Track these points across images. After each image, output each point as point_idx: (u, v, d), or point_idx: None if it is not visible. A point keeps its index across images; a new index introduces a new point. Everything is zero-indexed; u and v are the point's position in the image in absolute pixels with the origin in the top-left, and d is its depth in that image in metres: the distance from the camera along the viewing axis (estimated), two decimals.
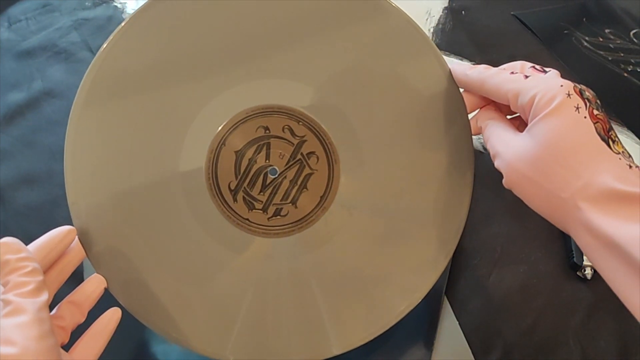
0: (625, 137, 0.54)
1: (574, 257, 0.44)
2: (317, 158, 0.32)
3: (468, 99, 0.32)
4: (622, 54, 0.62)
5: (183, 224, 0.31)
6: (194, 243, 0.31)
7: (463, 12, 0.67)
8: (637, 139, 0.54)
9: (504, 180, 0.28)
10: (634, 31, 0.65)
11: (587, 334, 0.41)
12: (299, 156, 0.32)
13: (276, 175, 0.32)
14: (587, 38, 0.64)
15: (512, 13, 0.67)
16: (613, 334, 0.41)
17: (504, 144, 0.28)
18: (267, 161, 0.32)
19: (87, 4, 0.66)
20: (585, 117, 0.25)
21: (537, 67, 0.30)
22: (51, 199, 0.47)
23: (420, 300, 0.32)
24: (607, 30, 0.65)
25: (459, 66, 0.31)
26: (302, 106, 0.32)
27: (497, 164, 0.28)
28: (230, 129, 0.31)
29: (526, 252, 0.45)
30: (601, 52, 0.62)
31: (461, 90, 0.32)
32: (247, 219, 0.31)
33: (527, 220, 0.47)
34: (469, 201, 0.33)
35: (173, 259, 0.31)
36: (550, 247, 0.45)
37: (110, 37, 0.32)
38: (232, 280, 0.31)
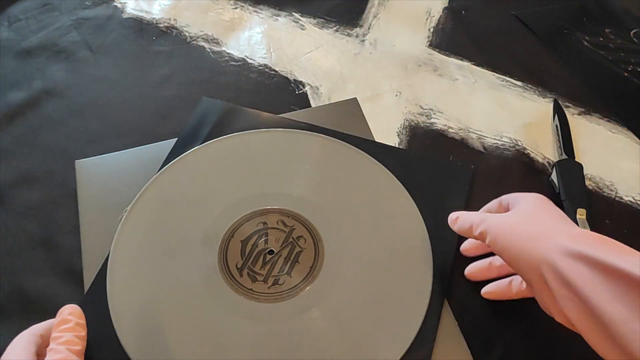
0: (625, 137, 0.54)
1: None
2: (305, 240, 0.42)
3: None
4: (622, 54, 0.62)
5: (200, 299, 0.39)
6: (207, 312, 0.39)
7: (463, 12, 0.67)
8: (637, 139, 0.54)
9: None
10: (634, 31, 0.65)
11: None
12: (291, 239, 0.42)
13: (273, 255, 0.41)
14: (587, 38, 0.64)
15: (512, 13, 0.67)
16: None
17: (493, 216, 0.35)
18: (266, 245, 0.42)
19: (87, 3, 0.66)
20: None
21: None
22: (51, 199, 0.47)
23: (410, 344, 0.37)
24: (607, 30, 0.65)
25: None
26: (291, 206, 0.44)
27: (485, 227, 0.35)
28: (238, 224, 0.43)
29: None
30: (601, 52, 0.62)
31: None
32: (251, 289, 0.40)
33: None
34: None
35: (191, 328, 0.38)
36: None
37: (157, 174, 0.46)
38: (240, 340, 0.38)
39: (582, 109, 0.56)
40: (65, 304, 0.41)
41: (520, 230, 0.32)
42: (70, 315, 0.32)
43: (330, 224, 0.43)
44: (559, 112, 0.54)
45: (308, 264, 0.41)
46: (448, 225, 0.40)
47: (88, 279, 0.41)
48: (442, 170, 0.48)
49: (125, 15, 0.64)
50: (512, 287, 0.38)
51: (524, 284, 0.37)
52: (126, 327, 0.37)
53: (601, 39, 0.64)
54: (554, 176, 0.49)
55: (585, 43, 0.63)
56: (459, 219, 0.38)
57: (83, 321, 0.32)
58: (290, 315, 0.39)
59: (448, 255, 0.42)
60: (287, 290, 0.40)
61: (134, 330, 0.37)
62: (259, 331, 0.38)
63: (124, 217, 0.43)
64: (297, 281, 0.40)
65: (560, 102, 0.56)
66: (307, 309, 0.39)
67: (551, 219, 0.32)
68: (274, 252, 0.42)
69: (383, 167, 0.47)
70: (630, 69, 0.60)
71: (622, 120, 0.55)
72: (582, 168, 0.49)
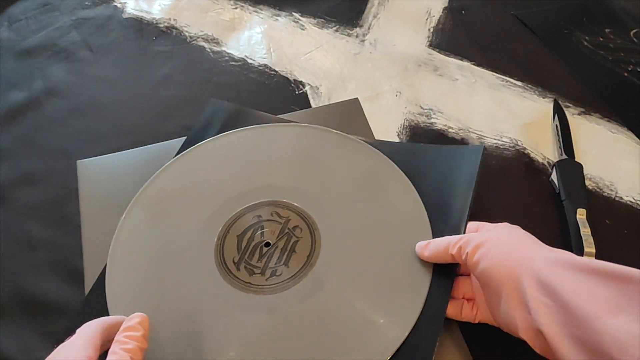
0: (625, 137, 0.54)
1: None
2: (301, 229, 0.42)
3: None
4: (622, 54, 0.62)
5: (199, 294, 0.39)
6: (206, 308, 0.38)
7: (463, 12, 0.67)
8: (637, 139, 0.54)
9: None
10: (634, 31, 0.65)
11: None
12: (287, 230, 0.42)
13: (270, 247, 0.41)
14: (587, 38, 0.64)
15: (512, 13, 0.67)
16: None
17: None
18: (262, 237, 0.42)
19: (87, 3, 0.66)
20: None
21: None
22: (52, 199, 0.47)
23: (412, 325, 0.36)
24: (607, 30, 0.65)
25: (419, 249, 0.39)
26: (284, 197, 0.44)
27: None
28: (233, 220, 0.43)
29: None
30: (601, 52, 0.62)
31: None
32: (249, 282, 0.39)
33: (528, 221, 0.47)
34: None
35: (191, 324, 0.38)
36: (550, 246, 0.45)
37: (162, 168, 0.47)
38: (241, 332, 0.37)
39: (582, 109, 0.56)
40: (66, 304, 0.41)
41: (506, 240, 0.33)
42: (140, 325, 0.31)
43: (324, 212, 0.43)
44: (559, 112, 0.54)
45: (305, 253, 0.41)
46: (451, 206, 0.40)
47: (89, 279, 0.41)
48: (447, 153, 0.47)
49: (125, 15, 0.64)
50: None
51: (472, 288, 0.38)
52: None
53: (601, 39, 0.64)
54: (554, 176, 0.49)
55: (585, 43, 0.63)
56: (431, 243, 0.38)
57: (148, 334, 0.32)
58: (290, 305, 0.38)
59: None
60: (285, 281, 0.39)
61: None
62: (259, 323, 0.38)
63: (123, 217, 0.43)
64: (294, 271, 0.40)
65: (560, 102, 0.56)
66: (306, 297, 0.39)
67: (532, 240, 0.34)
68: (270, 244, 0.41)
69: (379, 152, 0.46)
70: (630, 69, 0.60)
71: (622, 120, 0.55)
72: (582, 168, 0.49)
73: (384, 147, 0.47)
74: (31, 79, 0.57)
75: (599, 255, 0.43)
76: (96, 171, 0.48)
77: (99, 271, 0.41)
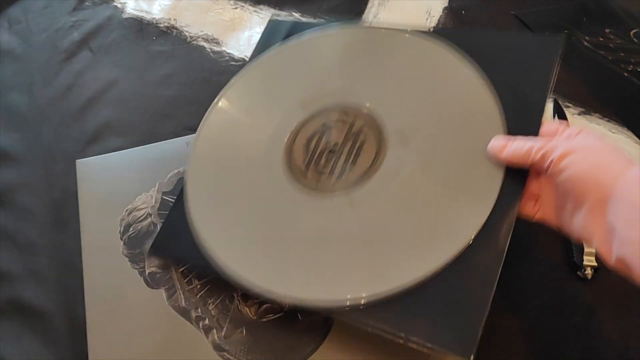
0: (625, 137, 0.54)
1: (574, 257, 0.44)
2: (367, 132, 0.42)
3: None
4: (622, 54, 0.62)
5: (269, 199, 0.41)
6: (276, 211, 0.41)
7: (463, 12, 0.67)
8: (637, 139, 0.54)
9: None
10: (634, 31, 0.65)
11: (587, 334, 0.41)
12: (352, 133, 0.42)
13: (337, 149, 0.42)
14: (587, 38, 0.64)
15: (512, 13, 0.67)
16: (613, 334, 0.41)
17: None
18: (329, 141, 0.42)
19: (87, 3, 0.66)
20: None
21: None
22: (51, 199, 0.47)
23: (488, 214, 0.35)
24: (607, 30, 0.65)
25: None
26: (350, 101, 0.44)
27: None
28: (300, 126, 0.44)
29: (526, 252, 0.45)
30: (601, 52, 0.62)
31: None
32: (318, 183, 0.41)
33: (528, 221, 0.47)
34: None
35: (264, 223, 0.40)
36: (550, 247, 0.45)
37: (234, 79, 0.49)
38: (315, 232, 0.39)
39: (582, 109, 0.56)
40: (63, 306, 0.41)
41: (596, 149, 0.31)
42: None
43: (392, 111, 0.42)
44: (559, 112, 0.54)
45: (371, 155, 0.41)
46: (525, 103, 0.37)
47: (89, 279, 0.41)
48: (522, 41, 0.44)
49: (125, 15, 0.64)
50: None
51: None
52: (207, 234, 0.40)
53: (601, 39, 0.64)
54: None
55: (585, 43, 0.63)
56: (509, 146, 0.35)
57: None
58: (364, 200, 0.38)
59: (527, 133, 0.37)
60: (353, 179, 0.40)
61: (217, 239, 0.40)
62: (334, 221, 0.39)
63: (198, 131, 0.46)
64: (361, 171, 0.40)
65: (560, 102, 0.56)
66: (379, 192, 0.39)
67: (620, 154, 0.32)
68: (337, 146, 0.42)
69: (445, 44, 0.43)
70: (630, 69, 0.60)
71: (622, 120, 0.55)
72: None
73: (452, 37, 0.44)
74: (31, 80, 0.57)
75: (598, 255, 0.43)
76: (95, 171, 0.48)
77: (99, 271, 0.41)
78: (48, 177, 0.49)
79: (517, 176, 0.35)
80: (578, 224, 0.32)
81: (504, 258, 0.34)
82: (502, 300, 0.41)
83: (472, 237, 0.34)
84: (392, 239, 0.37)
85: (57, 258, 0.44)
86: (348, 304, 0.34)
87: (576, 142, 0.32)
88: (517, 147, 0.34)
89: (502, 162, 0.36)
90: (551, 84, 0.39)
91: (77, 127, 0.53)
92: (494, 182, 0.36)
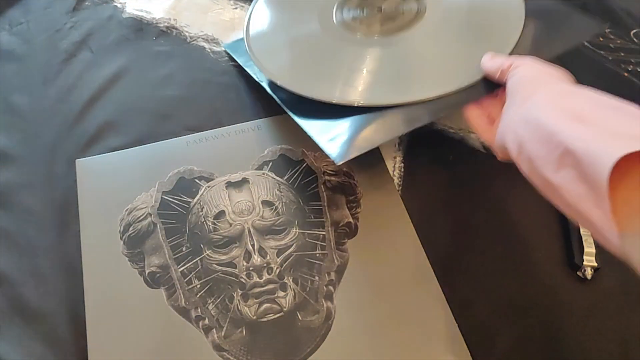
0: None
1: (574, 257, 0.44)
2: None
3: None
4: (622, 54, 0.62)
5: (325, 50, 0.51)
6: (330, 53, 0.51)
7: None
8: None
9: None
10: (634, 31, 0.65)
11: (587, 334, 0.41)
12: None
13: (380, 10, 0.53)
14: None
15: None
16: (613, 334, 0.41)
17: None
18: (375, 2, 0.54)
19: (87, 3, 0.66)
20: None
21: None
22: (51, 199, 0.47)
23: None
24: (607, 30, 0.65)
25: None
26: None
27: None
28: None
29: (526, 252, 0.45)
30: (601, 52, 0.62)
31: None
32: (367, 32, 0.51)
33: (528, 221, 0.47)
34: None
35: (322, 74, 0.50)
36: (550, 247, 0.45)
37: None
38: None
39: None
40: (64, 307, 0.41)
41: (541, 66, 0.38)
42: None
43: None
44: None
45: (413, 12, 0.51)
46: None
47: (88, 278, 0.41)
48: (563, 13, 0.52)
49: (125, 15, 0.64)
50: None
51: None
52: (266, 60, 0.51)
53: (601, 39, 0.63)
54: None
55: (585, 43, 0.63)
56: (489, 60, 0.42)
57: None
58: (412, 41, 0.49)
59: None
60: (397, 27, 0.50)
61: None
62: (386, 54, 0.49)
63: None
64: (409, 17, 0.51)
65: None
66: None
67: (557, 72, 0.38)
68: (381, 8, 0.53)
69: None
70: (630, 69, 0.60)
71: None
72: None
73: None
74: (31, 81, 0.57)
75: (598, 255, 0.43)
76: (95, 170, 0.48)
77: (99, 270, 0.41)
78: (48, 177, 0.49)
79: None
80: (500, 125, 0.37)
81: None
82: (502, 301, 0.41)
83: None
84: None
85: (58, 258, 0.44)
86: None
87: (527, 60, 0.39)
88: (493, 62, 0.42)
89: (485, 72, 0.43)
90: (568, 48, 0.46)
91: (78, 127, 0.53)
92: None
